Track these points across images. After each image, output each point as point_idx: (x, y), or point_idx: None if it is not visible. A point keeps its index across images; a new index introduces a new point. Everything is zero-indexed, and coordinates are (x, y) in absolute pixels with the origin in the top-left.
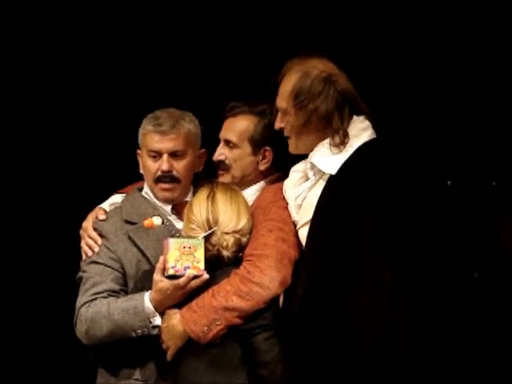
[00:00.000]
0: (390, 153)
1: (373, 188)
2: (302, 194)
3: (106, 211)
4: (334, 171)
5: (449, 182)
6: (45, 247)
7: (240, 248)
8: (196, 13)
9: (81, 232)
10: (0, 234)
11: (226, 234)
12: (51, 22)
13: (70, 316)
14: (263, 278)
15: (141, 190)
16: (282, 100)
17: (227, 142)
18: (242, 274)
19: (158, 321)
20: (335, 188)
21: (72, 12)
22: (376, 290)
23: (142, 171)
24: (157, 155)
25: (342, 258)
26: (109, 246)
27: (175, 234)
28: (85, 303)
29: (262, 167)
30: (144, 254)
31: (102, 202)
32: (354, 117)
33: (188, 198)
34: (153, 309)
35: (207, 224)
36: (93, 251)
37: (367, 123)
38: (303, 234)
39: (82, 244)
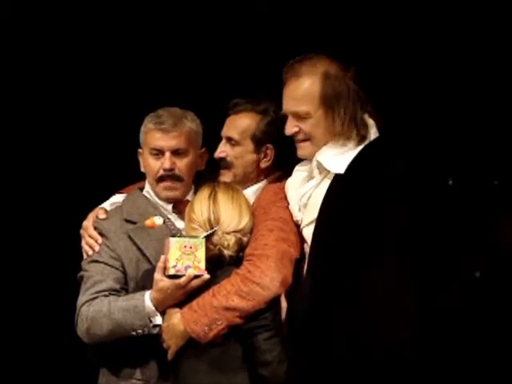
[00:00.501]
0: (394, 152)
1: (389, 187)
2: (306, 193)
3: (106, 210)
4: (341, 170)
5: (450, 181)
6: (46, 247)
7: (241, 247)
8: (197, 13)
9: (81, 231)
10: (1, 233)
11: (228, 233)
12: (51, 22)
13: (71, 315)
14: (264, 278)
15: (142, 189)
16: (303, 104)
17: (229, 140)
18: (243, 274)
19: (158, 320)
20: (342, 187)
21: (72, 12)
22: (399, 290)
23: (143, 170)
24: (159, 153)
25: (350, 256)
26: (109, 245)
27: (176, 233)
28: (86, 302)
29: (264, 165)
30: (144, 254)
31: (102, 202)
32: None
33: (189, 197)
34: (153, 308)
35: (208, 223)
36: (93, 250)
37: (371, 122)
38: (308, 232)
39: (83, 243)
